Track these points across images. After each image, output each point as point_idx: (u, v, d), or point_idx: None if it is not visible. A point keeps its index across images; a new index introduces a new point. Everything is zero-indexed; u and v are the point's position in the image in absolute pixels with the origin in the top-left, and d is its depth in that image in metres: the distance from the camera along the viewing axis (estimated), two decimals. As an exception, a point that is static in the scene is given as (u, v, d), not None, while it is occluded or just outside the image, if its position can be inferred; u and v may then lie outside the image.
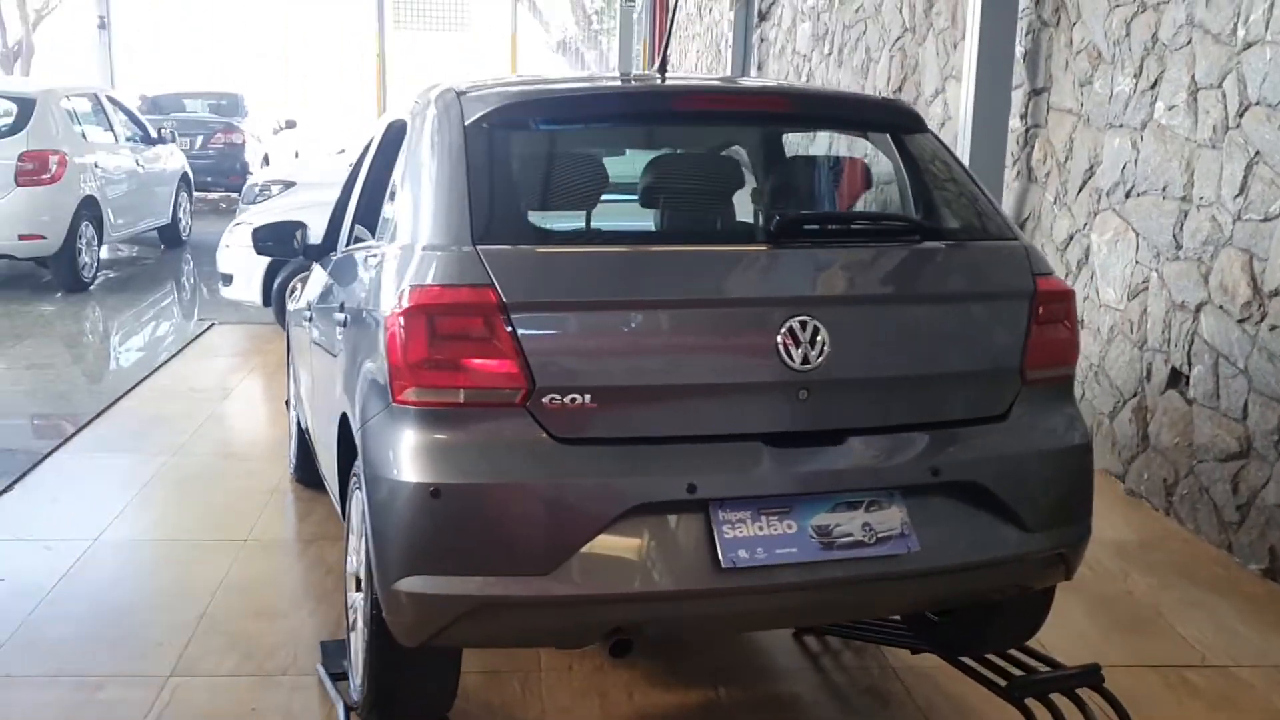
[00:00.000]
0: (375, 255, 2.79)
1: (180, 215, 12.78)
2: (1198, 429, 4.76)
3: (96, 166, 10.28)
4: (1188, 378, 4.86)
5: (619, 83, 3.13)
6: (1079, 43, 5.81)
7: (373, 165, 3.62)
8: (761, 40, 13.52)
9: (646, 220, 2.92)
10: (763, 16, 13.48)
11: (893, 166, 2.95)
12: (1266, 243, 4.36)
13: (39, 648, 3.47)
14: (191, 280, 11.21)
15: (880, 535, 2.45)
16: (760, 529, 2.37)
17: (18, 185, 9.30)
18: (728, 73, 13.92)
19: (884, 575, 2.47)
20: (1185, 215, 4.89)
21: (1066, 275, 5.89)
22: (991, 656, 3.11)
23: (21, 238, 9.37)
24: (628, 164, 3.08)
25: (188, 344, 7.98)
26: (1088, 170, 5.71)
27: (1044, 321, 2.70)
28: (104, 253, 11.00)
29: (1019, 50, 6.35)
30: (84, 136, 10.28)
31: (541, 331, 2.36)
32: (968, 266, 2.74)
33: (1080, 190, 5.78)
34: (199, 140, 16.79)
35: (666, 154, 3.16)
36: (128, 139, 11.44)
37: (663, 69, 3.02)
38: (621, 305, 2.42)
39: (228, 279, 8.04)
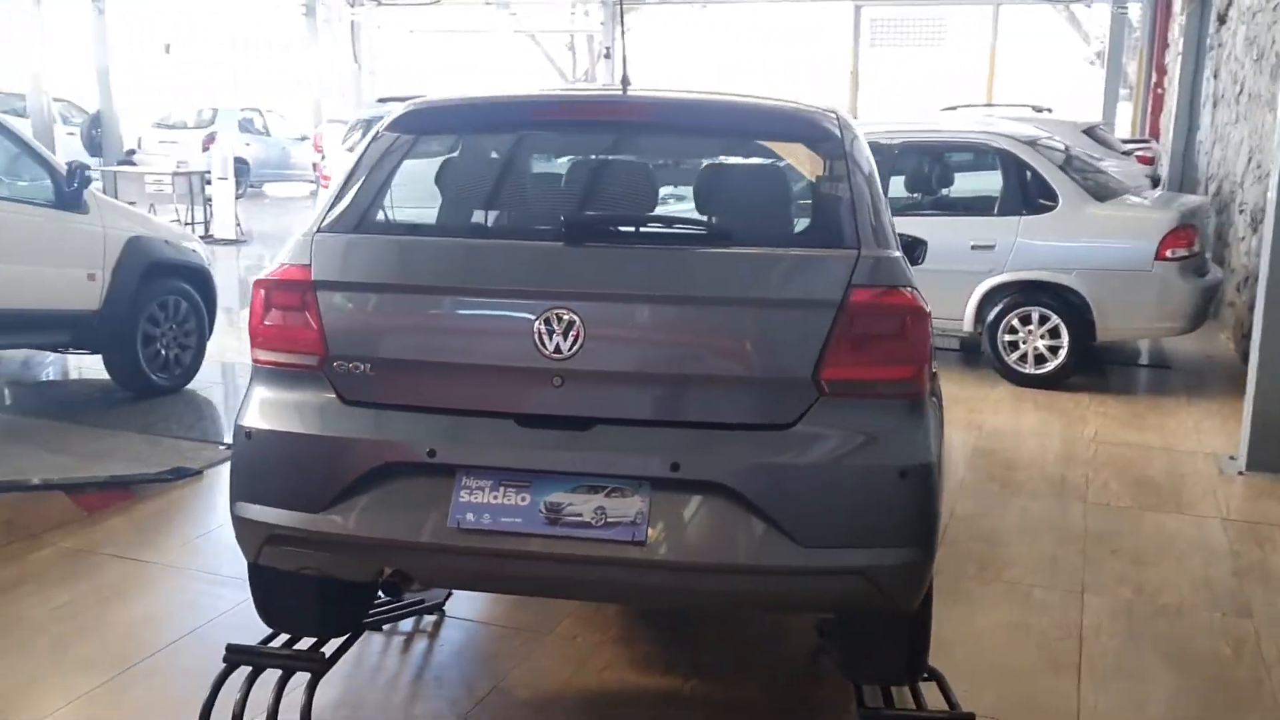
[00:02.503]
0: None
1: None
2: None
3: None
4: None
5: (557, 94, 3.26)
6: None
7: None
8: (1219, 45, 12.16)
9: (486, 217, 3.08)
10: (1221, 20, 12.12)
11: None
12: None
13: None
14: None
15: (610, 520, 2.50)
16: (495, 498, 2.53)
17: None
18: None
19: (603, 559, 2.50)
20: None
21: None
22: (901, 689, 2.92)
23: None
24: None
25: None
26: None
27: (853, 334, 2.54)
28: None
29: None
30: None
31: (338, 306, 2.71)
32: (765, 273, 2.64)
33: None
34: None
35: (524, 160, 3.28)
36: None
37: (624, 82, 3.14)
38: (402, 288, 2.72)
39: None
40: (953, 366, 8.00)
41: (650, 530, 2.51)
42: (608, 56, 23.63)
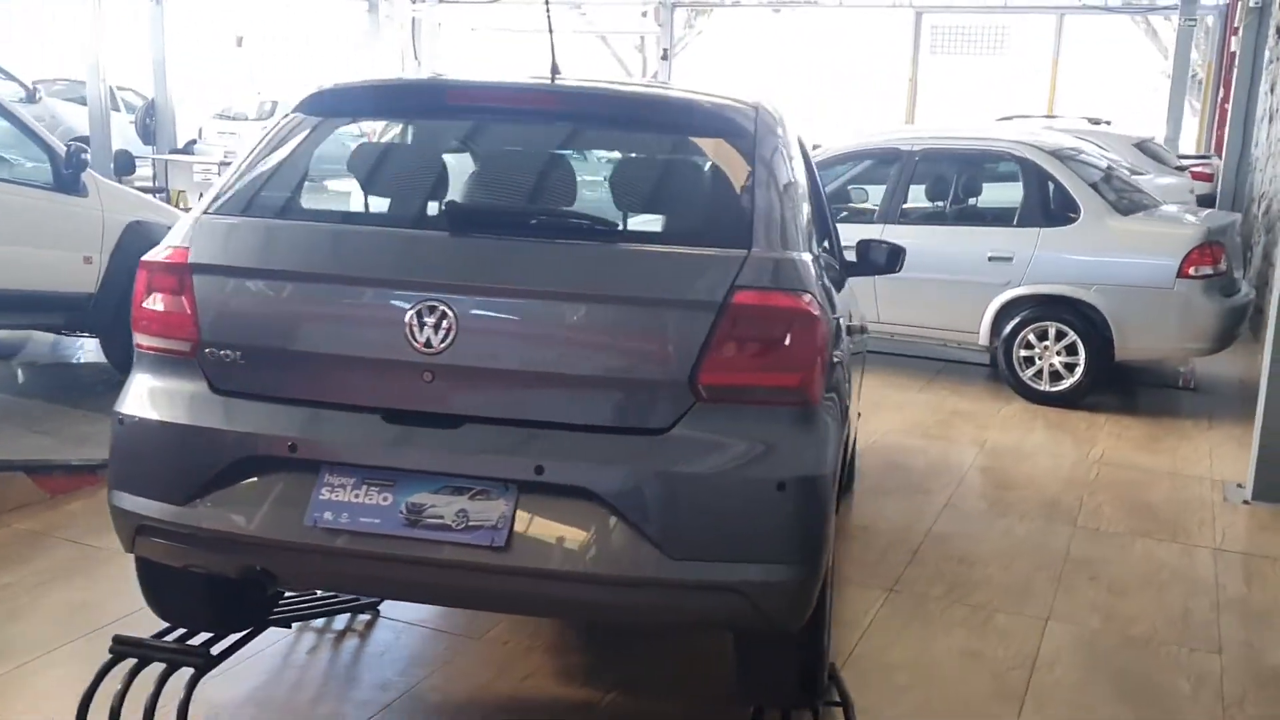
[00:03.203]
0: None
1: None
2: None
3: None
4: None
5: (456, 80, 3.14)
6: None
7: None
8: (1276, 60, 11.74)
9: (378, 204, 2.99)
10: (1280, 34, 11.69)
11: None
12: None
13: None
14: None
15: (471, 524, 2.40)
16: (357, 496, 2.44)
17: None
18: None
19: (460, 563, 2.40)
20: None
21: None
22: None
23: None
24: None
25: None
26: None
27: (734, 337, 2.41)
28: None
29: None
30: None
31: (213, 291, 2.63)
32: (646, 270, 2.51)
33: None
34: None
35: (425, 146, 3.17)
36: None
37: (554, 70, 3.03)
38: (275, 274, 2.63)
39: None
40: (971, 380, 7.80)
41: (512, 535, 2.40)
42: (665, 58, 23.57)
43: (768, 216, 2.59)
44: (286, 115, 2.93)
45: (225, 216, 2.76)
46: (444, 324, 2.46)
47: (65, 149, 5.97)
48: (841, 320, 3.17)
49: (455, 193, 2.89)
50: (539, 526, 2.43)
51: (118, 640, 2.97)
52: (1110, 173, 7.76)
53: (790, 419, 2.48)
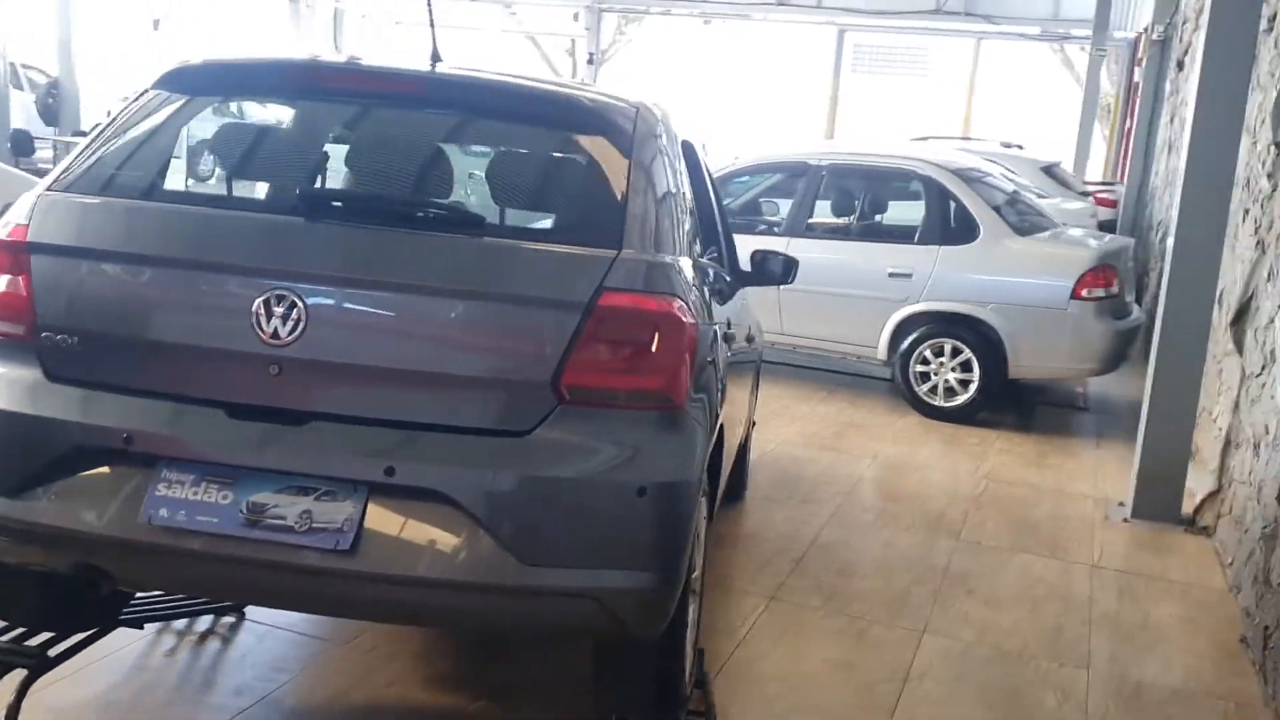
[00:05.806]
0: None
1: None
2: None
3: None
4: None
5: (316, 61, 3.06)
6: (1316, 85, 4.74)
7: None
8: (1175, 92, 12.08)
9: (232, 186, 2.90)
10: (1179, 67, 12.03)
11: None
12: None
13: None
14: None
15: (315, 526, 2.32)
16: (195, 493, 2.34)
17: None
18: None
19: (304, 567, 2.32)
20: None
21: (1263, 368, 4.80)
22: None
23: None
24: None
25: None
26: (1296, 241, 4.63)
27: (600, 339, 2.38)
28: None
29: (1274, 94, 5.27)
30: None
31: (51, 272, 2.51)
32: (509, 267, 2.46)
33: (1288, 265, 4.71)
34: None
35: (288, 128, 3.09)
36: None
37: (435, 57, 2.95)
38: (116, 256, 2.52)
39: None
40: (870, 393, 7.87)
41: (360, 538, 2.32)
42: (590, 63, 23.54)
43: (641, 218, 2.55)
44: (145, 91, 2.81)
45: (70, 194, 2.63)
46: (293, 314, 2.38)
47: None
48: (720, 328, 3.15)
49: (316, 178, 2.80)
50: (389, 530, 2.35)
51: (-49, 638, 2.82)
52: (1013, 195, 7.89)
53: (654, 423, 2.45)
